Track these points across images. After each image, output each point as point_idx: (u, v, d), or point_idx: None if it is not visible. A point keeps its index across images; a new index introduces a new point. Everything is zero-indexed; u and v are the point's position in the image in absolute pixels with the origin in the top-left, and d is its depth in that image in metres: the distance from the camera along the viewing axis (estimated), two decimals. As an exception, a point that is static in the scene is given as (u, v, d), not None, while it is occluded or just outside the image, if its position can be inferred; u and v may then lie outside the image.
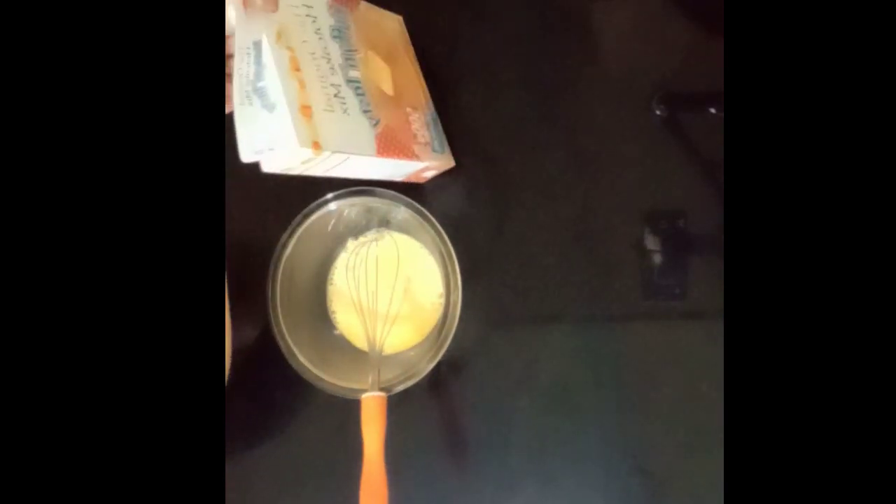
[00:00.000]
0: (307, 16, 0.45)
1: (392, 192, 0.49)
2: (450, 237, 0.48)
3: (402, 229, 0.54)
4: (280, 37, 0.43)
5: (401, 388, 0.47)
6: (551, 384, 0.53)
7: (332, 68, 0.45)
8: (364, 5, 0.51)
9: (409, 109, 0.50)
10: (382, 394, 0.46)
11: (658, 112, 0.55)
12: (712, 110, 0.55)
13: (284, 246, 0.49)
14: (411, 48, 0.55)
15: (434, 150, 0.51)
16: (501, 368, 0.54)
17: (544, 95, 0.56)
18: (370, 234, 0.54)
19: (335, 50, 0.46)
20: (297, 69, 0.43)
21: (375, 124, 0.46)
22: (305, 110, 0.42)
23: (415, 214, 0.48)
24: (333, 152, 0.43)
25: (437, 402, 0.53)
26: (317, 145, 0.42)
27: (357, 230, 0.54)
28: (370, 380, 0.47)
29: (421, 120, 0.51)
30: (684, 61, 0.56)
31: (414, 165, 0.49)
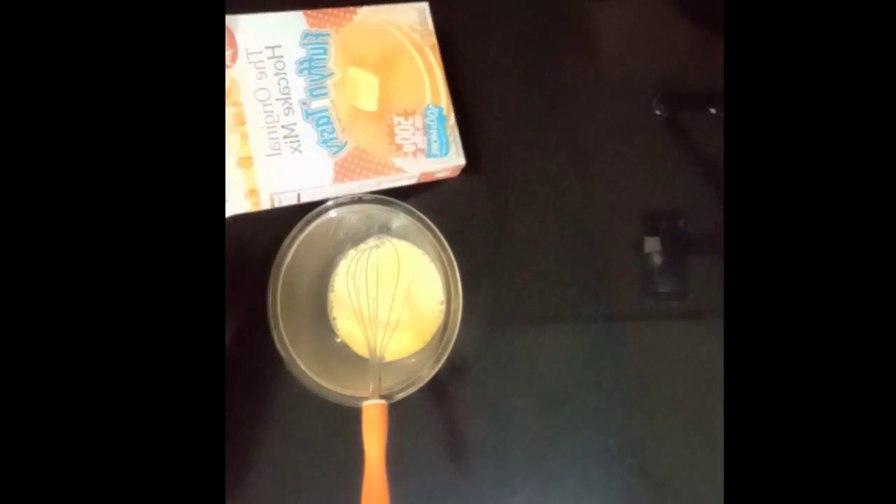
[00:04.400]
0: (270, 58, 0.49)
1: (392, 200, 0.48)
2: (450, 239, 0.48)
3: (403, 236, 0.54)
4: (228, 94, 0.47)
5: (402, 395, 0.47)
6: (552, 385, 0.53)
7: (288, 108, 0.49)
8: (366, 10, 0.51)
9: (397, 119, 0.50)
10: (383, 402, 0.46)
11: (658, 112, 0.55)
12: (712, 110, 0.55)
13: (285, 253, 0.49)
14: (430, 38, 0.53)
15: (430, 156, 0.51)
16: (502, 369, 0.54)
17: (544, 95, 0.56)
18: (371, 241, 0.54)
19: (298, 85, 0.49)
20: (242, 123, 0.47)
21: (337, 151, 0.48)
22: (244, 161, 0.47)
23: (415, 221, 0.48)
24: (272, 195, 0.47)
25: (437, 404, 0.53)
26: (253, 192, 0.47)
27: (357, 237, 0.54)
28: (371, 387, 0.47)
29: (415, 125, 0.51)
30: (684, 61, 0.56)
31: (393, 178, 0.50)
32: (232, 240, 0.47)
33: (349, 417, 0.47)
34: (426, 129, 0.51)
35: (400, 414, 0.47)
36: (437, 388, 0.53)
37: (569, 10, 0.57)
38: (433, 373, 0.47)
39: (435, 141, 0.51)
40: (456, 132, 0.52)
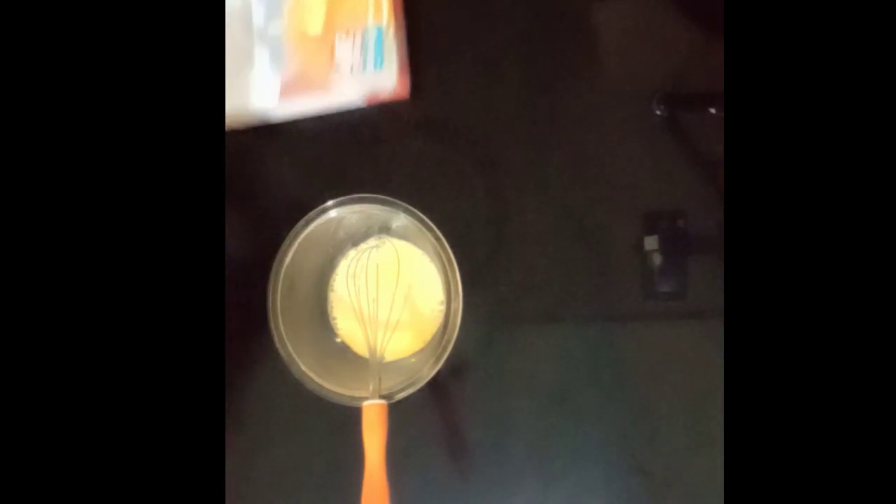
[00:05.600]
0: None
1: (392, 200, 0.48)
2: (449, 239, 0.48)
3: (403, 236, 0.54)
4: None
5: (402, 395, 0.47)
6: (552, 385, 0.53)
7: (248, 33, 0.54)
8: None
9: (339, 38, 0.53)
10: (383, 402, 0.46)
11: (658, 112, 0.55)
12: (712, 110, 0.55)
13: (285, 253, 0.49)
14: None
15: (365, 70, 0.53)
16: (502, 369, 0.54)
17: (544, 95, 0.56)
18: (371, 241, 0.54)
19: (259, 11, 0.55)
20: None
21: (284, 72, 0.54)
22: None
23: (415, 221, 0.48)
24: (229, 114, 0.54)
25: (437, 404, 0.53)
26: None
27: (357, 237, 0.54)
28: (371, 387, 0.47)
29: (353, 44, 0.53)
30: (684, 61, 0.56)
31: (335, 97, 0.54)
32: (232, 239, 0.47)
33: (349, 417, 0.47)
34: (363, 47, 0.53)
35: (400, 414, 0.47)
36: (437, 388, 0.53)
37: (569, 10, 0.57)
38: (433, 373, 0.47)
39: (371, 58, 0.53)
40: (394, 48, 0.53)
